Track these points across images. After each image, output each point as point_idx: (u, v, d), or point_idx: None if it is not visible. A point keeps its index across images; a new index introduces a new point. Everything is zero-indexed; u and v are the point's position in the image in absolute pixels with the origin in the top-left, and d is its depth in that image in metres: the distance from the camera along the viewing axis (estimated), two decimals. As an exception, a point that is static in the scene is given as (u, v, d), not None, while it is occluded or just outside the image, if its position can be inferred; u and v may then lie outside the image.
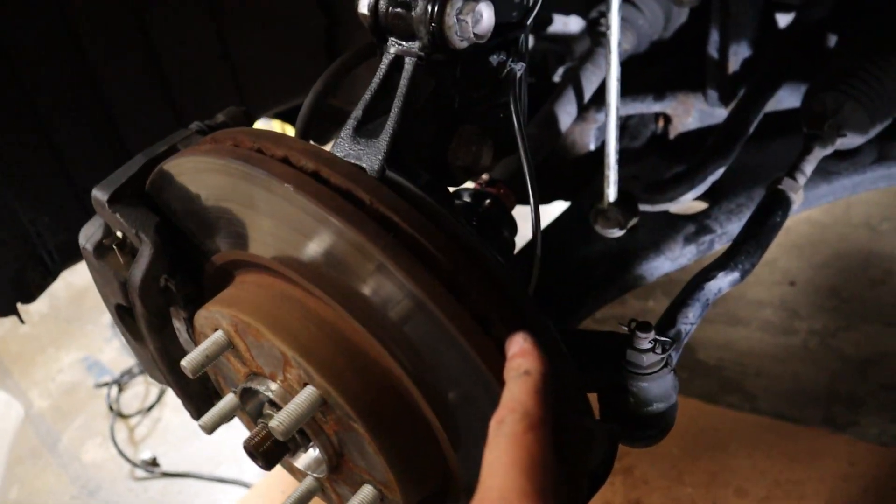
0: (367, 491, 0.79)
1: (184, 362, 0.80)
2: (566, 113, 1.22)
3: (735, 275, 0.99)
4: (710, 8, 1.28)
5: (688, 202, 1.22)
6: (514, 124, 0.84)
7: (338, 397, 0.71)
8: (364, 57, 0.92)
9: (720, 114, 1.38)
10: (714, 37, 1.29)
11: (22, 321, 1.50)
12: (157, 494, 2.27)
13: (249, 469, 2.23)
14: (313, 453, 0.85)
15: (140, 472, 2.34)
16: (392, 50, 0.80)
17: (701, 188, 1.17)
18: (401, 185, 0.69)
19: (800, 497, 1.75)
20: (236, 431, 2.54)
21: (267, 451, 0.78)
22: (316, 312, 0.75)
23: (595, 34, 1.32)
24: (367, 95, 0.81)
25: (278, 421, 0.71)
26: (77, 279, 3.72)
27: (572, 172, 1.48)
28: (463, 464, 0.76)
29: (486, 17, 0.78)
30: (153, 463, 2.34)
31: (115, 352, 2.94)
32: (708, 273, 0.99)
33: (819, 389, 2.04)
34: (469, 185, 0.99)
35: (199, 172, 0.79)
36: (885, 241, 2.49)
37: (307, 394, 0.73)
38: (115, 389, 2.69)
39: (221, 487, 2.21)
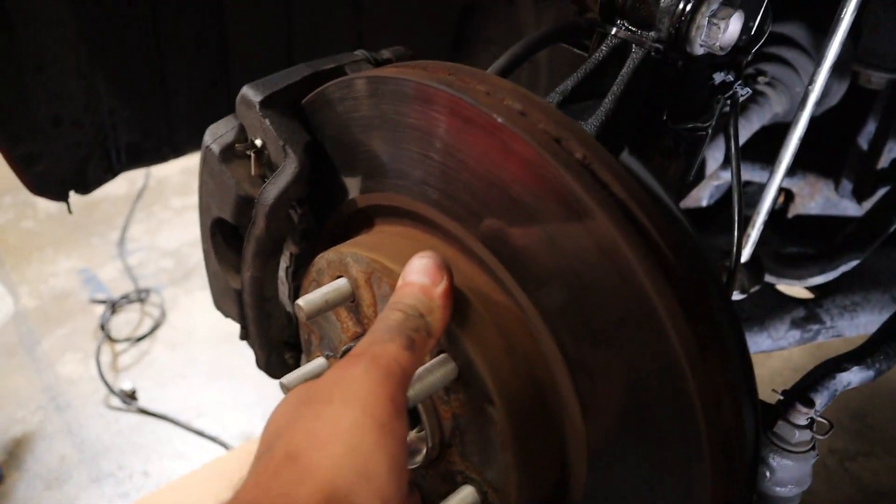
0: (466, 492, 0.70)
1: (301, 302, 0.72)
2: (713, 159, 1.16)
3: (869, 373, 0.92)
4: (873, 98, 1.23)
5: (808, 285, 1.16)
6: (728, 148, 0.77)
7: (482, 372, 0.63)
8: (565, 36, 0.86)
9: (845, 206, 1.33)
10: (869, 128, 1.24)
11: (70, 211, 1.41)
12: (127, 428, 2.15)
13: (231, 429, 2.13)
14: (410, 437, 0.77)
15: (115, 401, 2.22)
16: (619, 34, 0.74)
17: (831, 274, 1.12)
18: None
19: None
20: (224, 385, 2.41)
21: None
22: (470, 276, 0.67)
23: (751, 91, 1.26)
24: (579, 74, 0.74)
25: None
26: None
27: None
28: (591, 482, 0.67)
29: (734, 28, 0.71)
30: (131, 395, 2.22)
31: (117, 272, 2.83)
32: (841, 363, 0.92)
33: (830, 510, 1.97)
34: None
35: (373, 97, 0.71)
36: (917, 381, 2.44)
37: (442, 362, 0.65)
38: (108, 310, 2.58)
39: (197, 441, 2.10)
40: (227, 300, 0.98)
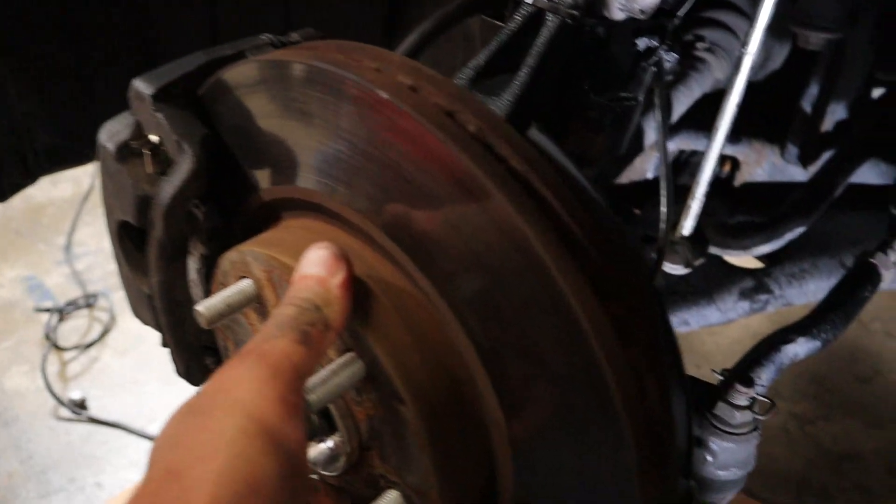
0: (391, 497, 0.66)
1: (200, 307, 0.66)
2: (652, 129, 1.12)
3: (816, 343, 0.90)
4: (814, 60, 1.20)
5: (755, 254, 1.14)
6: (655, 119, 0.73)
7: (390, 370, 0.59)
8: (480, 8, 0.80)
9: (792, 172, 1.30)
10: (812, 91, 1.20)
11: (-14, 220, 1.33)
12: (78, 439, 2.07)
13: (186, 434, 2.06)
14: (325, 445, 0.72)
15: (65, 412, 2.14)
16: (533, 2, 0.69)
17: (777, 243, 1.09)
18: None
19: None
20: (178, 388, 2.35)
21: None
22: (374, 266, 0.63)
23: (689, 57, 1.22)
24: (493, 46, 0.69)
25: (308, 389, 0.58)
26: (37, 193, 3.47)
27: (620, 198, 1.38)
28: (518, 478, 0.64)
29: (654, -11, 0.67)
30: (81, 405, 2.14)
31: (64, 278, 2.73)
32: (787, 335, 0.89)
33: (792, 475, 1.98)
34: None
35: (271, 82, 0.66)
36: (875, 340, 2.46)
37: (348, 361, 0.61)
38: (55, 318, 2.48)
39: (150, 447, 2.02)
40: (143, 307, 0.92)
